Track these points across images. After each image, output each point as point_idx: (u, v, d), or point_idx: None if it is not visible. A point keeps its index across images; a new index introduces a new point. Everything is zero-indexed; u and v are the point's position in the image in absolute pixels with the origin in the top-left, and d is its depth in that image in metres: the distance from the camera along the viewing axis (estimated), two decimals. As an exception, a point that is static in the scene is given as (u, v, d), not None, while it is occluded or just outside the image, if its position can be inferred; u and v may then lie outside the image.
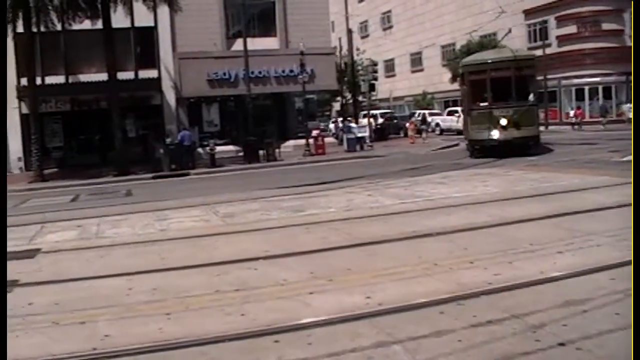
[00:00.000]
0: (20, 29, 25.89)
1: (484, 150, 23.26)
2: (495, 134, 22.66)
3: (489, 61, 23.96)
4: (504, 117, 22.54)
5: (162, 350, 4.84)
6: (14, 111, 31.11)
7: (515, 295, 5.64)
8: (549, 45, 45.80)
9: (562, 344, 4.44)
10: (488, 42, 42.93)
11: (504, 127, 22.43)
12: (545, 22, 47.45)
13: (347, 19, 45.40)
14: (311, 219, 10.77)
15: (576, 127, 39.53)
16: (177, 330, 5.24)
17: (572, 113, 41.95)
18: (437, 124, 44.52)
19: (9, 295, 6.65)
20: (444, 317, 5.19)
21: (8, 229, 11.42)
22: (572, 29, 45.98)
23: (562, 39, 46.22)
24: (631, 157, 11.40)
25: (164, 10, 29.89)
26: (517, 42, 46.88)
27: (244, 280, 6.74)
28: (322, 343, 4.78)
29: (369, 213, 11.06)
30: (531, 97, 23.42)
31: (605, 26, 44.26)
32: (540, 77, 26.28)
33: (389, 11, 67.08)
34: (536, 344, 4.50)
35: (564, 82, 46.32)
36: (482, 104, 23.55)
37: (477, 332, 4.79)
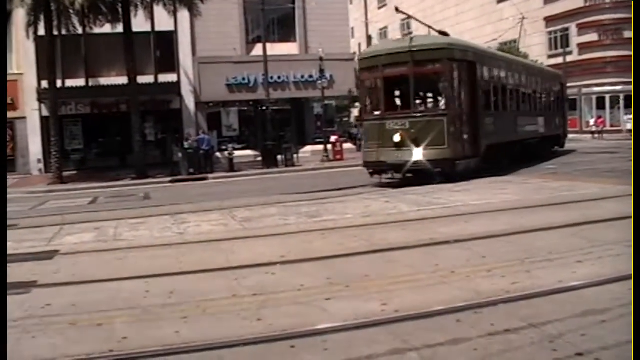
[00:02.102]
0: (41, 31, 26.18)
1: (381, 173, 18.06)
2: (385, 155, 17.02)
3: (382, 54, 18.08)
4: (398, 131, 16.79)
5: (178, 353, 4.85)
6: (34, 113, 31.48)
7: (534, 304, 5.59)
8: (570, 53, 45.54)
9: (580, 354, 4.39)
10: (508, 49, 42.79)
11: (397, 145, 16.67)
12: (567, 29, 47.18)
13: (366, 25, 45.53)
14: (328, 224, 10.75)
15: (597, 135, 39.20)
16: (194, 334, 5.24)
17: (592, 122, 41.61)
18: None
19: (27, 296, 6.73)
20: (461, 325, 5.15)
21: (27, 230, 11.65)
22: (593, 36, 45.70)
23: (583, 47, 45.94)
24: (632, 157, 11.27)
25: (184, 15, 30.17)
26: (537, 50, 46.68)
27: (261, 285, 6.74)
28: (338, 349, 4.77)
29: (386, 220, 11.03)
30: (442, 103, 17.59)
31: (627, 34, 43.90)
32: (488, 76, 19.57)
33: (409, 17, 66.99)
34: (554, 354, 4.45)
35: (584, 90, 46.04)
36: (375, 113, 17.96)
37: (494, 341, 4.76)
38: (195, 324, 5.53)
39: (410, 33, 67.49)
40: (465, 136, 17.51)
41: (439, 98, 18.28)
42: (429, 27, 24.54)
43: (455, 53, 17.55)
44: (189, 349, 4.91)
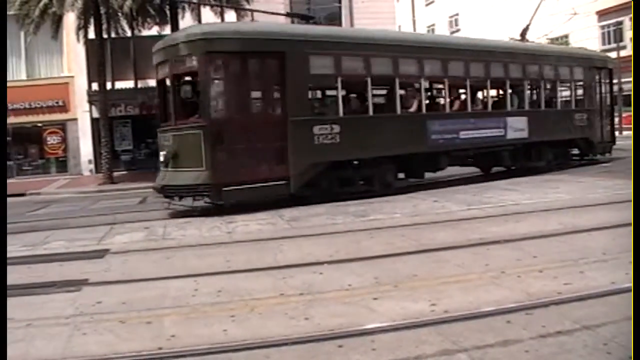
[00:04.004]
0: (91, 35, 26.70)
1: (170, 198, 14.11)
2: (158, 177, 14.19)
3: (155, 49, 14.57)
4: (165, 147, 13.86)
5: (226, 352, 4.88)
6: (85, 115, 32.16)
7: (587, 305, 5.47)
8: (624, 47, 44.45)
9: (635, 358, 4.27)
10: (557, 45, 41.98)
11: (165, 165, 13.86)
12: (620, 23, 45.99)
13: (414, 22, 45.25)
14: (376, 224, 10.71)
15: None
16: (241, 333, 5.27)
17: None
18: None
19: (78, 294, 6.87)
20: (511, 326, 5.07)
21: (78, 229, 11.90)
22: (648, 30, 44.50)
23: (638, 41, 44.78)
24: (632, 157, 10.86)
25: (230, 16, 30.35)
26: (590, 44, 45.69)
27: (309, 284, 6.74)
28: (386, 349, 4.74)
29: (435, 219, 10.93)
30: (214, 111, 13.27)
31: (684, 27, 42.70)
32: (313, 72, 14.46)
33: (457, 14, 66.35)
34: (608, 357, 4.34)
35: (639, 86, 44.82)
36: (162, 124, 14.57)
37: (546, 343, 4.66)
38: (243, 323, 5.56)
39: (458, 30, 67.12)
40: (247, 154, 13.33)
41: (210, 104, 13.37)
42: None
43: (215, 44, 13.21)
44: (236, 347, 4.94)
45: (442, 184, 16.64)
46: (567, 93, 21.24)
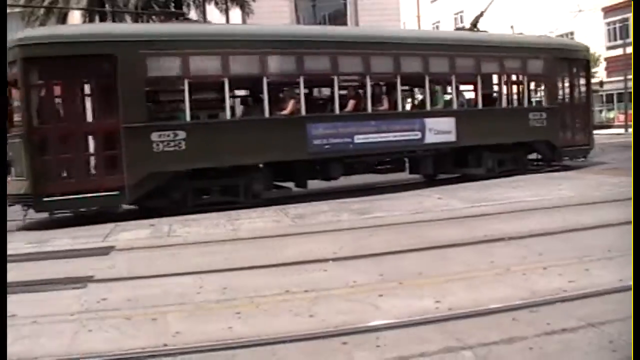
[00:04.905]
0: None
1: None
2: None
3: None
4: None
5: (231, 348, 4.89)
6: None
7: (592, 303, 5.47)
8: (630, 44, 44.29)
9: (641, 355, 4.27)
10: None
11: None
12: (626, 19, 45.78)
13: (418, 19, 45.16)
14: (381, 221, 10.71)
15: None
16: (246, 330, 5.29)
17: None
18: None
19: (83, 291, 6.89)
20: (516, 323, 5.07)
21: (84, 227, 11.89)
22: (655, 27, 44.31)
23: (644, 38, 44.63)
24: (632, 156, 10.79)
25: (236, 13, 30.38)
26: (595, 41, 45.53)
27: (314, 282, 6.75)
28: (390, 346, 4.75)
29: (439, 216, 10.93)
30: (35, 120, 12.47)
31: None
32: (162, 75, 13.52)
33: (462, 11, 66.22)
34: (613, 355, 4.35)
35: (646, 83, 44.65)
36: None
37: (551, 341, 4.66)
38: (248, 320, 5.57)
39: (463, 27, 66.74)
40: (74, 163, 12.69)
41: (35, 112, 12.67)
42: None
43: (32, 50, 12.38)
44: (241, 344, 4.96)
45: (446, 182, 16.59)
46: (519, 89, 18.88)
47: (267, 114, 14.27)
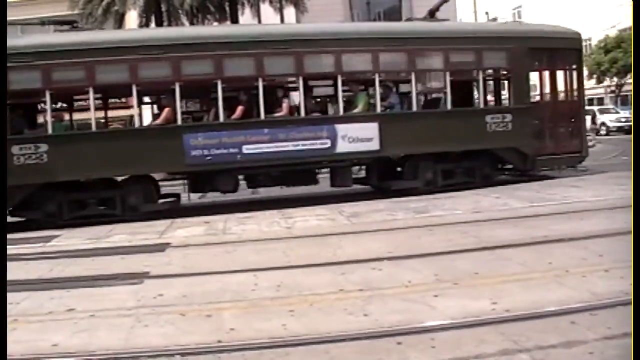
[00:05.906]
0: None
1: None
2: None
3: None
4: None
5: (284, 346, 4.91)
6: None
7: (655, 307, 5.30)
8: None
9: None
10: (628, 36, 40.66)
11: None
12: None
13: (475, 14, 44.55)
14: (437, 220, 10.62)
15: None
16: (300, 327, 5.30)
17: None
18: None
19: (139, 287, 7.03)
20: (575, 327, 4.95)
21: (140, 223, 12.14)
22: None
23: None
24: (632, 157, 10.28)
25: (290, 12, 30.55)
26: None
27: (368, 280, 6.73)
28: (445, 347, 4.69)
29: (497, 216, 10.76)
30: None
31: None
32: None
33: (520, 6, 65.08)
34: (678, 361, 4.20)
35: None
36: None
37: (611, 345, 4.53)
38: (302, 318, 5.59)
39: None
40: None
41: None
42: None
43: None
44: (295, 342, 4.97)
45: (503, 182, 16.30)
46: (472, 87, 16.70)
47: (137, 124, 13.86)
